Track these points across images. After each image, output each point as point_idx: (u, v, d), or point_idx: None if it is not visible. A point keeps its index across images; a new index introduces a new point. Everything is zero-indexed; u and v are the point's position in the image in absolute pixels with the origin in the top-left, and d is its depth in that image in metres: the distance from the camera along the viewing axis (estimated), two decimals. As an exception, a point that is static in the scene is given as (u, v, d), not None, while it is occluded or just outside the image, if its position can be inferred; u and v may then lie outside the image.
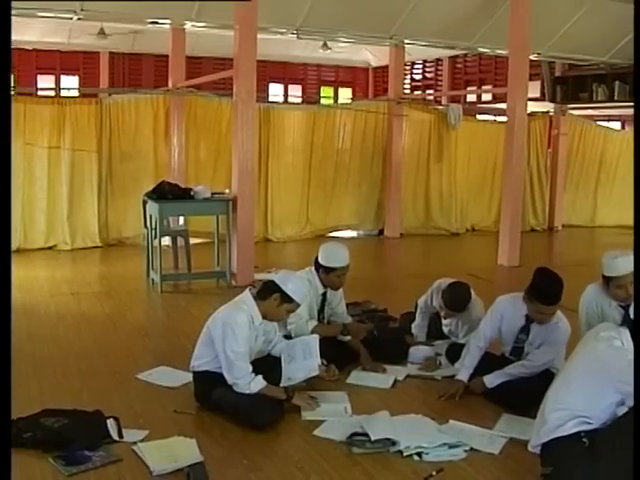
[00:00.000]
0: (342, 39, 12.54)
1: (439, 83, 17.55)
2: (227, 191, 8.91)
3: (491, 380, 5.10)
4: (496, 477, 4.04)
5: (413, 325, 6.31)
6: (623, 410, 3.62)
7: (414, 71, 18.25)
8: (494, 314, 5.32)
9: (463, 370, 5.23)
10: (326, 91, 19.31)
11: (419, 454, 4.21)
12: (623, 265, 4.99)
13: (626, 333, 3.72)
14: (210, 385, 4.73)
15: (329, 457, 4.20)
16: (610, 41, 12.70)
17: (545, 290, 4.97)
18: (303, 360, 4.98)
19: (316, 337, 5.14)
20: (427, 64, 17.87)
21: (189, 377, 5.07)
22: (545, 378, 4.54)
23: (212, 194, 8.75)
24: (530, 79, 11.07)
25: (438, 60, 17.37)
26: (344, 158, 12.85)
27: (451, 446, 4.31)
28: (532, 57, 11.97)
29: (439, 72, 17.56)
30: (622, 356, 3.61)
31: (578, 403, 3.68)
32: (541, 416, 3.84)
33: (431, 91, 17.58)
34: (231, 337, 4.58)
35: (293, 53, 16.88)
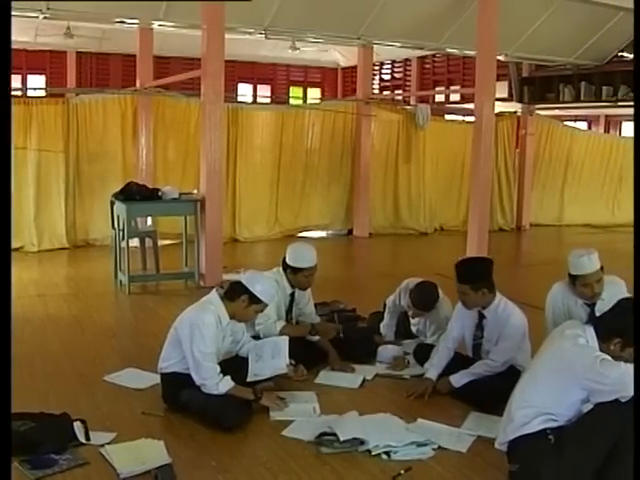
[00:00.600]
0: (310, 39, 12.53)
1: (407, 83, 17.62)
2: (195, 192, 8.88)
3: (457, 380, 5.13)
4: (464, 475, 4.07)
5: (382, 324, 6.35)
6: (588, 407, 3.65)
7: (383, 71, 18.32)
8: (457, 314, 5.39)
9: (432, 369, 5.26)
10: (295, 91, 19.31)
11: (387, 453, 4.23)
12: (589, 264, 5.06)
13: (591, 331, 3.77)
14: (178, 386, 4.71)
15: (297, 457, 4.20)
16: (576, 42, 12.83)
17: (455, 268, 5.17)
18: (271, 360, 4.99)
19: (285, 338, 5.14)
20: (396, 64, 17.94)
21: (157, 379, 5.04)
22: (511, 376, 4.57)
23: (180, 195, 8.71)
24: (498, 79, 11.10)
25: (407, 60, 17.44)
26: (313, 158, 12.86)
27: (419, 444, 4.33)
28: (499, 58, 12.05)
29: (408, 72, 17.63)
30: (587, 354, 3.65)
31: (544, 401, 3.71)
32: (508, 414, 3.86)
33: (400, 91, 17.64)
34: (198, 338, 4.56)
35: (262, 53, 16.86)
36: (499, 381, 4.83)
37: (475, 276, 5.11)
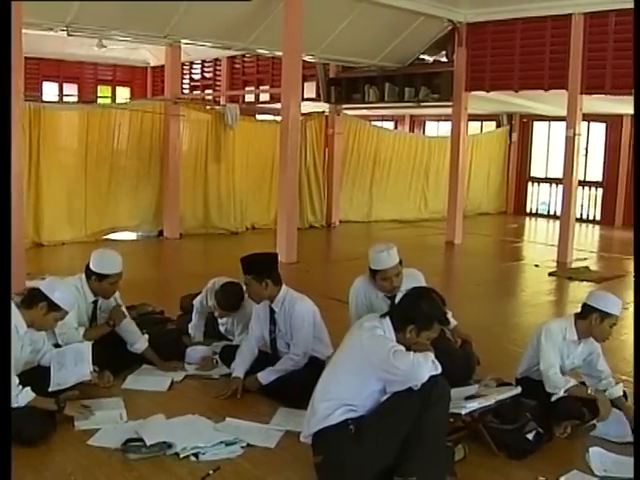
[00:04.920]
0: (116, 37, 12.23)
1: (218, 83, 17.60)
2: (-6, 195, 8.45)
3: (265, 377, 5.20)
4: (273, 470, 4.14)
5: (190, 325, 6.33)
6: (386, 397, 3.80)
7: (193, 71, 18.20)
8: (255, 312, 5.49)
9: (238, 368, 5.30)
10: (103, 90, 18.85)
11: (196, 455, 4.24)
12: (388, 258, 5.27)
13: (387, 322, 3.93)
14: (-27, 401, 4.48)
15: (103, 466, 4.13)
16: (380, 45, 13.26)
17: (241, 260, 5.39)
18: (74, 367, 4.84)
19: (88, 344, 5.02)
20: (206, 64, 17.87)
21: (-50, 395, 4.78)
22: (317, 370, 4.64)
23: (-24, 199, 8.26)
24: (306, 80, 11.28)
25: (217, 60, 17.41)
26: (121, 159, 12.53)
27: (228, 444, 4.37)
28: (307, 58, 12.28)
29: (218, 72, 17.60)
30: (382, 345, 3.79)
31: (344, 392, 3.83)
32: (311, 407, 3.95)
33: (210, 91, 17.60)
34: (-8, 349, 4.36)
35: (68, 51, 16.33)
36: (305, 376, 4.91)
37: (259, 267, 5.28)
